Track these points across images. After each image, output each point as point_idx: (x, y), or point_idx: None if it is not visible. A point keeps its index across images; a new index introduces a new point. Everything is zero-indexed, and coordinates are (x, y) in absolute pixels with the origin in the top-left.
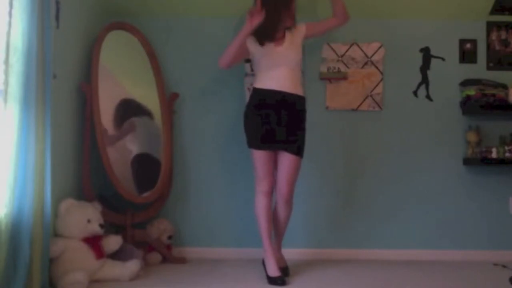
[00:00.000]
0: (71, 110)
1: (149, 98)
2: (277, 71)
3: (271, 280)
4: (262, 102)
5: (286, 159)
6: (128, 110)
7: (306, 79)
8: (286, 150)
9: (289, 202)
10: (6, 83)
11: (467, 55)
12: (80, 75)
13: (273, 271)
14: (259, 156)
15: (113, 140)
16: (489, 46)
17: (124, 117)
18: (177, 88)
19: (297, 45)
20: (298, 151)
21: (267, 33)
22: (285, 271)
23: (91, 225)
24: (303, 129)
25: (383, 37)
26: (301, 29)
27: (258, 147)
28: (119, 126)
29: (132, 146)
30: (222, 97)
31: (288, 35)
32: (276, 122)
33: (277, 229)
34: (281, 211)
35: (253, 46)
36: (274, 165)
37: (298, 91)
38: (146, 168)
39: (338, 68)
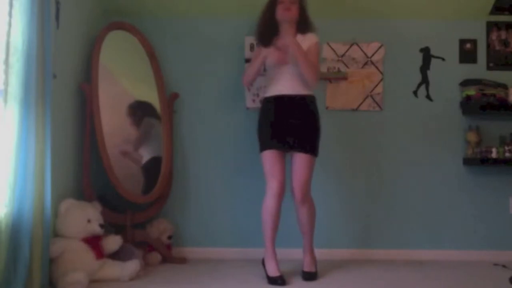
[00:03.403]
0: (71, 110)
1: (149, 98)
2: (287, 72)
3: (271, 280)
4: (271, 111)
5: (298, 159)
6: (142, 110)
7: None
8: (298, 149)
9: (306, 202)
10: (6, 83)
11: (467, 55)
12: (80, 75)
13: (273, 271)
14: (268, 156)
15: (138, 143)
16: (489, 46)
17: (139, 117)
18: (177, 88)
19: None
20: (310, 149)
21: (267, 33)
22: (310, 276)
23: (91, 225)
24: (315, 128)
25: (383, 37)
26: (312, 38)
27: (267, 147)
28: (136, 126)
29: (143, 150)
30: (222, 97)
31: (299, 37)
32: (287, 124)
33: (302, 231)
34: (302, 213)
35: (265, 50)
36: (284, 167)
37: (308, 90)
38: (155, 170)
39: (338, 68)
